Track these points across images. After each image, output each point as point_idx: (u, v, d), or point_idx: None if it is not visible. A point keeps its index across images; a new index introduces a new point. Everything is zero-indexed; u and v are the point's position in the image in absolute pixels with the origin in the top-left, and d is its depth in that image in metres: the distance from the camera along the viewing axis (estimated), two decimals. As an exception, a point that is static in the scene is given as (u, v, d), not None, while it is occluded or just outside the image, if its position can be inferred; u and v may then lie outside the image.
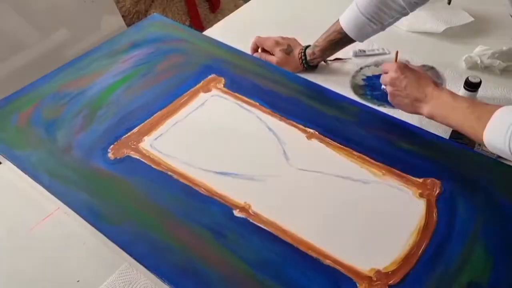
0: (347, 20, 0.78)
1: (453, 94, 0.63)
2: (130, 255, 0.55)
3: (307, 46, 0.84)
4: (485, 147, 0.58)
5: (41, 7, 0.97)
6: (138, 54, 0.86)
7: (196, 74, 0.81)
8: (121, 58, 0.85)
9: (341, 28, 0.79)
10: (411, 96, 0.66)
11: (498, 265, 0.54)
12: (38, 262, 0.57)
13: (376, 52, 0.89)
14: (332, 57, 0.87)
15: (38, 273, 0.56)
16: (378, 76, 0.83)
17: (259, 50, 0.90)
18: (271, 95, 0.77)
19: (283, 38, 0.88)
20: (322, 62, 0.87)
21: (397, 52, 0.74)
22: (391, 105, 0.76)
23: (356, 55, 0.89)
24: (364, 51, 0.89)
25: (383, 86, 0.72)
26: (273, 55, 0.87)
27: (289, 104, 0.75)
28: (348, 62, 0.88)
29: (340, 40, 0.80)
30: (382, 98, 0.78)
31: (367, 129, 0.71)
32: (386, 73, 0.70)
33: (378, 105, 0.77)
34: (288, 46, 0.86)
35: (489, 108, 0.57)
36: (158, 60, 0.84)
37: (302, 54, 0.84)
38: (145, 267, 0.54)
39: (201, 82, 0.79)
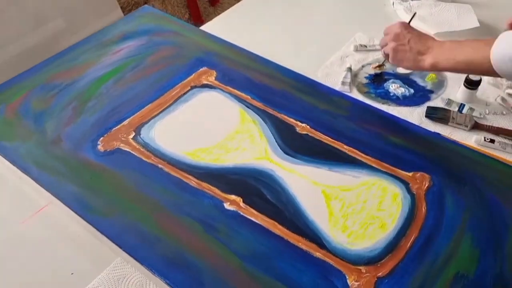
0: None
1: (455, 40, 0.63)
2: (120, 247, 0.54)
3: None
4: (458, 122, 0.61)
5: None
6: (129, 46, 0.85)
7: (187, 66, 0.81)
8: (111, 50, 0.84)
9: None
10: (414, 49, 0.66)
11: (484, 257, 0.55)
12: (32, 255, 0.56)
13: (377, 47, 0.89)
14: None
15: (32, 266, 0.55)
16: (380, 74, 0.83)
17: None
18: (263, 88, 0.77)
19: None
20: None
21: (414, 14, 0.79)
22: (396, 103, 0.76)
23: (357, 50, 0.88)
24: (365, 46, 0.89)
25: (382, 51, 0.71)
26: None
27: (281, 98, 0.75)
28: (349, 57, 0.87)
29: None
30: (386, 96, 0.79)
31: (358, 123, 0.71)
32: (386, 34, 0.70)
33: (383, 103, 0.77)
34: None
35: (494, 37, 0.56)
36: (149, 52, 0.83)
37: None
38: (135, 259, 0.53)
39: (193, 75, 0.79)
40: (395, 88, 0.79)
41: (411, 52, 0.66)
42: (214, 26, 0.93)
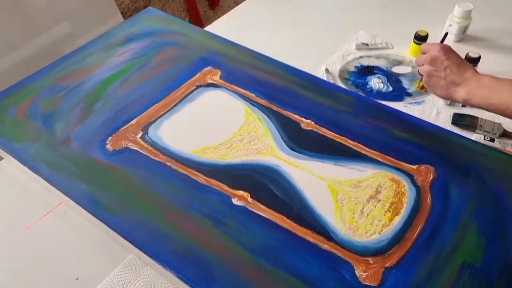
0: None
1: (494, 77, 0.61)
2: (132, 243, 0.55)
3: None
4: (486, 130, 0.60)
5: (39, 3, 0.97)
6: (134, 47, 0.86)
7: (192, 66, 0.82)
8: (117, 52, 0.85)
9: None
10: (449, 78, 0.63)
11: (490, 246, 0.55)
12: (37, 259, 0.57)
13: (379, 46, 0.90)
14: None
15: (37, 270, 0.56)
16: (372, 67, 0.84)
17: None
18: (267, 86, 0.78)
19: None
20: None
21: (446, 34, 0.73)
22: (366, 95, 0.77)
23: (359, 48, 0.89)
24: (367, 44, 0.90)
25: (418, 68, 0.69)
26: None
27: (285, 95, 0.76)
28: (350, 55, 0.88)
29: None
30: (362, 86, 0.81)
31: (362, 118, 0.72)
32: (424, 53, 0.67)
33: (355, 91, 0.79)
34: None
35: None
36: (154, 53, 0.84)
37: None
38: (147, 254, 0.54)
39: (197, 75, 0.80)
40: (375, 82, 0.80)
41: (445, 81, 0.64)
42: (215, 30, 0.94)
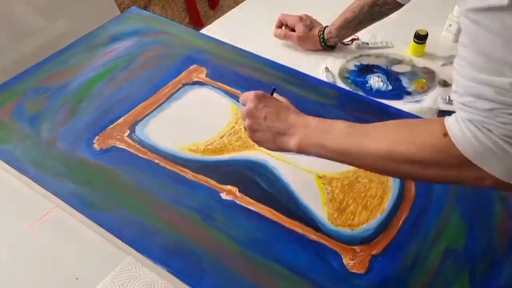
0: None
1: (321, 119, 0.52)
2: (121, 240, 0.56)
3: (327, 26, 0.86)
4: None
5: (38, 1, 0.96)
6: (119, 47, 0.86)
7: (178, 64, 0.82)
8: (101, 51, 0.85)
9: (355, 7, 0.80)
10: (273, 128, 0.53)
11: (472, 231, 0.57)
12: (37, 259, 0.57)
13: (380, 45, 0.90)
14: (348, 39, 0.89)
15: (37, 270, 0.56)
16: (371, 66, 0.86)
17: (283, 27, 0.92)
18: (252, 82, 0.78)
19: (306, 15, 0.89)
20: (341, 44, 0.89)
21: (274, 89, 0.61)
22: (366, 93, 0.79)
23: (359, 47, 0.90)
24: (368, 43, 0.90)
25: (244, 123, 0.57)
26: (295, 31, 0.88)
27: (270, 90, 0.77)
28: (351, 54, 0.89)
29: (354, 18, 0.81)
30: (361, 85, 0.82)
31: (346, 111, 0.73)
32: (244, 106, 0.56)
33: (354, 90, 0.80)
34: (310, 23, 0.88)
35: (371, 124, 0.48)
36: (139, 52, 0.85)
37: (321, 32, 0.86)
38: (137, 250, 0.55)
39: (183, 73, 0.81)
40: (374, 81, 0.82)
41: (269, 132, 0.53)
42: (215, 29, 0.94)
